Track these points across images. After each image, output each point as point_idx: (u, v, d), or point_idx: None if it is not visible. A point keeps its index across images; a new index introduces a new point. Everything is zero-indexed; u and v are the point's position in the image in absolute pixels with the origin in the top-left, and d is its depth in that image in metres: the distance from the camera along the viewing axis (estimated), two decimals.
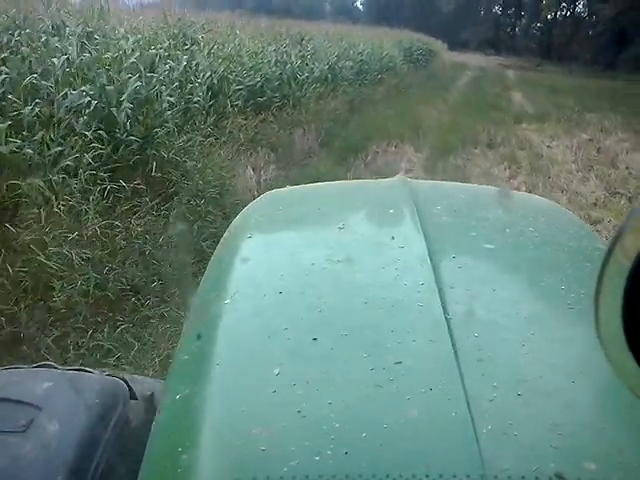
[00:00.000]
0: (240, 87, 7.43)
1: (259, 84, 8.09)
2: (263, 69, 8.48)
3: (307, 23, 16.99)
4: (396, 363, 0.73)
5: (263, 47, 9.52)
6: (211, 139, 6.03)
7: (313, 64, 10.84)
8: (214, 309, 0.90)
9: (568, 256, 1.09)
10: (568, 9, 49.07)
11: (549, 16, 52.16)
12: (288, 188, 1.59)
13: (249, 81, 7.83)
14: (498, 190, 1.43)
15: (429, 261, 0.94)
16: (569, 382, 0.74)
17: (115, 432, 0.96)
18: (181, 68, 6.28)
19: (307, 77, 9.95)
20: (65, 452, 0.89)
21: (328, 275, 0.96)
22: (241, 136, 6.57)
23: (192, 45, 7.46)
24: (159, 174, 4.66)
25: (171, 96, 5.66)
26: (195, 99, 6.24)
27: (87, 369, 1.11)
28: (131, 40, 5.93)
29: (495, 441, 0.63)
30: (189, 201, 4.67)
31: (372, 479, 0.59)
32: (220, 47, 8.22)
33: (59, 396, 0.99)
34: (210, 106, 6.55)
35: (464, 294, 0.89)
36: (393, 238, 1.06)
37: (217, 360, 0.79)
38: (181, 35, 7.75)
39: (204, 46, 7.62)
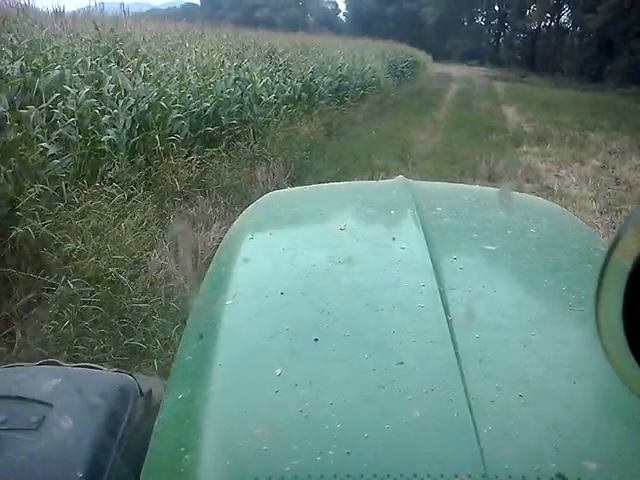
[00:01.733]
0: (182, 115, 5.86)
1: (210, 109, 6.55)
2: (216, 90, 6.95)
3: (283, 35, 15.59)
4: (398, 364, 0.74)
5: (222, 62, 8.00)
6: (122, 195, 4.21)
7: (284, 81, 9.35)
8: (216, 310, 0.90)
9: (569, 257, 1.09)
10: (552, 20, 48.49)
11: (533, 27, 51.93)
12: (289, 189, 1.69)
13: (195, 107, 6.29)
14: (499, 191, 1.41)
15: (430, 262, 0.94)
16: (570, 382, 0.74)
17: (129, 428, 0.95)
18: (82, 94, 4.66)
19: (276, 97, 8.47)
20: (82, 448, 0.88)
21: (329, 276, 0.96)
22: (176, 182, 4.97)
23: (118, 63, 5.88)
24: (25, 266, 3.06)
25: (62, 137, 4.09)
26: (104, 137, 4.61)
27: (93, 365, 1.10)
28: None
29: (496, 441, 0.63)
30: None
31: (374, 479, 0.59)
32: (158, 64, 6.63)
33: (68, 393, 0.97)
34: (133, 144, 5.00)
35: (465, 295, 0.89)
36: (394, 239, 1.06)
37: (219, 360, 0.79)
38: (111, 50, 6.18)
39: (139, 63, 6.04)
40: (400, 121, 12.49)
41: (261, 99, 7.93)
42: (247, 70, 8.11)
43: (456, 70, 34.56)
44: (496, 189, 1.48)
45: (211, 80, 7.05)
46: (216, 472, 0.64)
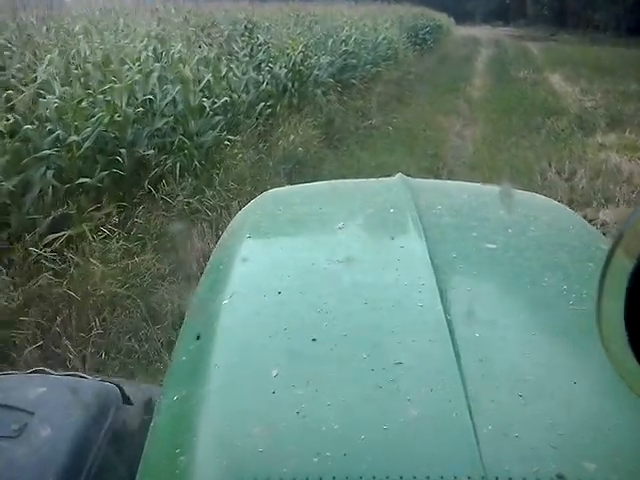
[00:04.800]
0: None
1: (91, 139, 3.84)
2: (117, 102, 4.24)
3: (270, 5, 12.77)
4: (396, 363, 0.73)
5: (162, 51, 5.30)
6: None
7: (260, 69, 6.64)
8: (213, 309, 0.90)
9: (570, 255, 1.08)
10: None
11: None
12: (287, 187, 1.64)
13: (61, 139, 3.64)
14: (499, 189, 1.35)
15: (429, 261, 0.93)
16: (570, 382, 0.74)
17: (107, 436, 0.96)
18: None
19: (245, 94, 5.78)
20: (57, 456, 0.89)
21: (328, 275, 0.95)
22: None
23: None
24: None
25: None
26: None
27: (81, 374, 1.13)
28: None
29: (496, 442, 0.63)
30: None
31: None
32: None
33: (52, 401, 0.98)
34: None
35: (465, 294, 0.89)
36: (393, 238, 1.06)
37: (216, 360, 0.79)
38: None
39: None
40: (425, 106, 9.69)
41: (203, 107, 5.06)
42: (181, 59, 5.27)
43: (481, 32, 31.52)
44: (496, 187, 1.37)
45: (105, 87, 4.34)
46: (213, 473, 0.64)
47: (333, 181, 1.74)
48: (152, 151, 4.14)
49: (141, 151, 4.00)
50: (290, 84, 7.15)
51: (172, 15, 8.58)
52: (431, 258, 0.93)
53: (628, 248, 0.40)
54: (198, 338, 0.84)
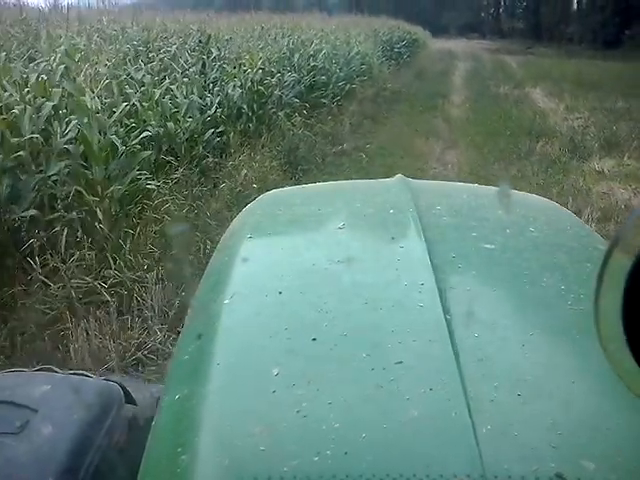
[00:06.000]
0: None
1: None
2: None
3: (241, 15, 11.86)
4: (396, 363, 0.73)
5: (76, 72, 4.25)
6: None
7: (208, 90, 5.66)
8: (214, 309, 0.90)
9: (568, 256, 1.08)
10: None
11: None
12: (288, 188, 1.66)
13: None
14: (498, 190, 1.37)
15: (429, 261, 0.93)
16: (569, 382, 0.74)
17: (109, 435, 0.96)
18: None
19: (188, 121, 4.79)
20: (56, 454, 0.89)
21: (328, 275, 0.95)
22: None
23: None
24: None
25: None
26: None
27: (86, 373, 1.12)
28: None
29: (495, 441, 0.63)
30: None
31: (372, 479, 0.59)
32: None
33: (55, 399, 0.99)
34: None
35: (464, 294, 0.89)
36: (393, 238, 1.06)
37: (217, 360, 0.79)
38: None
39: None
40: (402, 127, 8.87)
41: (114, 144, 3.79)
42: (91, 82, 4.06)
43: (457, 45, 31.64)
44: (495, 188, 1.40)
45: None
46: (214, 472, 0.64)
47: (333, 182, 1.73)
48: (34, 211, 3.08)
49: (20, 211, 2.90)
50: (246, 107, 6.17)
51: (106, 26, 7.51)
52: (431, 258, 0.93)
53: (626, 248, 0.40)
54: (199, 337, 0.84)
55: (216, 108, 5.53)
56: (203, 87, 5.79)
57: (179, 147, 4.70)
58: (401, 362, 0.72)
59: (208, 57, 6.50)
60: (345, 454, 0.60)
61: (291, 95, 7.34)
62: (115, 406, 1.00)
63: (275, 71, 7.38)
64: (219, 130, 5.39)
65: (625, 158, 7.39)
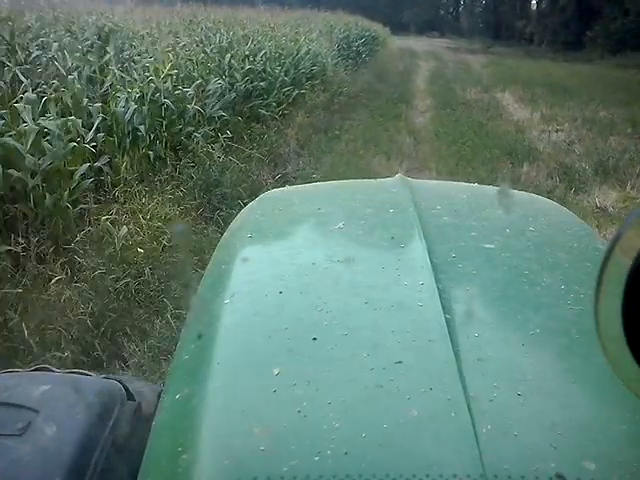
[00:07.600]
0: None
1: None
2: None
3: (167, 9, 10.19)
4: (396, 363, 0.73)
5: None
6: None
7: (81, 108, 4.01)
8: (214, 309, 0.90)
9: (568, 255, 1.08)
10: None
11: None
12: (287, 188, 1.64)
13: None
14: (498, 189, 1.37)
15: (429, 261, 0.93)
16: (569, 382, 0.75)
17: (112, 434, 0.96)
18: None
19: (38, 156, 3.16)
20: (62, 454, 0.89)
21: (328, 275, 0.95)
22: None
23: None
24: None
25: None
26: None
27: (84, 372, 1.11)
28: None
29: (495, 441, 0.63)
30: None
31: (372, 479, 0.59)
32: None
33: (56, 399, 0.98)
34: None
35: (464, 294, 0.89)
36: (393, 238, 1.06)
37: (217, 360, 0.79)
38: None
39: None
40: (359, 142, 7.37)
41: None
42: None
43: (417, 44, 30.45)
44: (495, 187, 1.40)
45: None
46: (214, 472, 0.64)
47: (333, 181, 1.71)
48: None
49: None
50: (145, 127, 4.52)
51: None
52: (430, 258, 0.93)
53: (626, 248, 0.40)
54: (200, 337, 0.84)
55: (96, 132, 3.90)
56: (87, 101, 4.18)
57: (25, 199, 3.10)
58: (401, 362, 0.73)
59: (101, 59, 4.87)
60: (345, 454, 0.61)
61: (217, 107, 5.72)
62: (117, 404, 0.99)
63: (196, 76, 5.78)
64: (99, 164, 3.77)
65: (628, 188, 6.10)
